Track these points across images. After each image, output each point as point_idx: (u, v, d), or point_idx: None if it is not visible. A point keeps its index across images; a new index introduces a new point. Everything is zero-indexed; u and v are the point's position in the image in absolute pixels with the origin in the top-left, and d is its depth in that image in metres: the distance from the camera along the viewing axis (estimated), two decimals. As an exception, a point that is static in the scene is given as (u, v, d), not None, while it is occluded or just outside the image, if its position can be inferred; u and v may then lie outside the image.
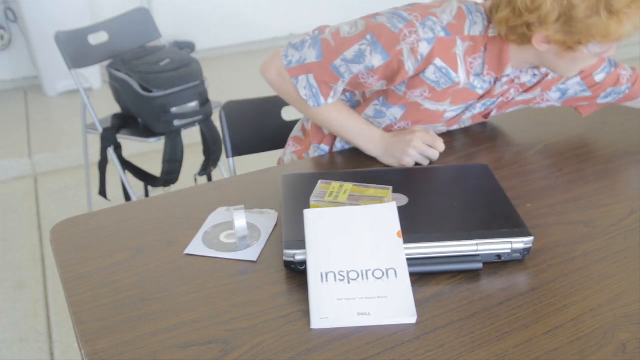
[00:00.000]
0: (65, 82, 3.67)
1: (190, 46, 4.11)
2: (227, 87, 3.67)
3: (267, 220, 1.01)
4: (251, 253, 0.93)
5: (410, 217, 0.93)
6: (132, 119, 2.28)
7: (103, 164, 2.25)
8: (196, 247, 0.95)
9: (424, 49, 1.08)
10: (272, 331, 0.78)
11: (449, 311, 0.81)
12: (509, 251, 0.88)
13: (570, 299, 0.82)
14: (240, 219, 0.97)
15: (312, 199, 0.95)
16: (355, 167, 1.19)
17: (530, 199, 1.06)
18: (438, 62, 1.10)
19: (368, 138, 1.21)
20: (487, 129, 1.33)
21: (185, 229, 1.00)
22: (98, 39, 2.24)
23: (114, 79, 2.21)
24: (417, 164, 1.19)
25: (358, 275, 0.82)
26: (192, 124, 2.21)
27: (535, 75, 1.22)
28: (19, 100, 3.71)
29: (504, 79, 1.18)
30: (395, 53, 1.08)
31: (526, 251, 0.89)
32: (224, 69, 4.04)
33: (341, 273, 0.82)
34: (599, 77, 1.25)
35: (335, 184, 0.98)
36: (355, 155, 1.25)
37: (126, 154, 2.26)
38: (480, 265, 0.87)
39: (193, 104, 2.17)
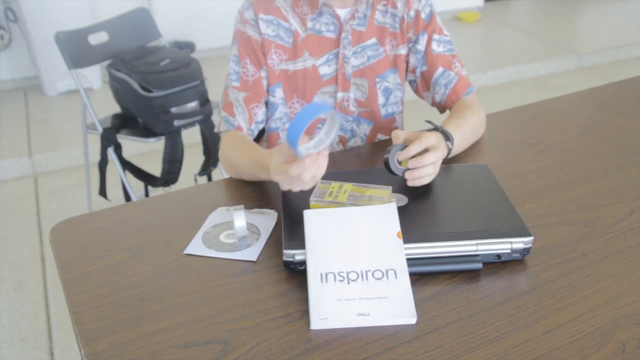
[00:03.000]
0: (65, 82, 3.66)
1: (190, 46, 4.11)
2: (227, 87, 3.66)
3: (266, 220, 1.01)
4: (251, 253, 0.93)
5: (410, 217, 0.93)
6: (132, 119, 2.27)
7: (103, 164, 2.25)
8: (196, 247, 0.95)
9: (248, 14, 1.26)
10: (272, 331, 0.78)
11: (448, 311, 0.81)
12: (509, 251, 0.88)
13: (570, 299, 0.82)
14: (240, 219, 0.97)
15: (312, 199, 0.95)
16: (355, 167, 1.19)
17: (530, 199, 1.06)
18: (263, 16, 1.25)
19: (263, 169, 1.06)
20: (487, 129, 1.33)
21: (185, 229, 1.00)
22: (98, 39, 2.24)
23: (114, 79, 2.20)
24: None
25: (358, 276, 0.82)
26: (192, 124, 2.20)
27: (393, 16, 1.28)
28: (19, 100, 3.71)
29: (344, 15, 1.25)
30: (239, 34, 1.28)
31: (526, 251, 0.89)
32: (224, 69, 4.04)
33: (341, 274, 0.82)
34: (436, 48, 1.31)
35: (335, 184, 0.98)
36: (355, 155, 1.25)
37: (126, 154, 2.26)
38: (480, 265, 0.87)
39: (193, 104, 2.17)
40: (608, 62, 4.34)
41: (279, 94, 1.29)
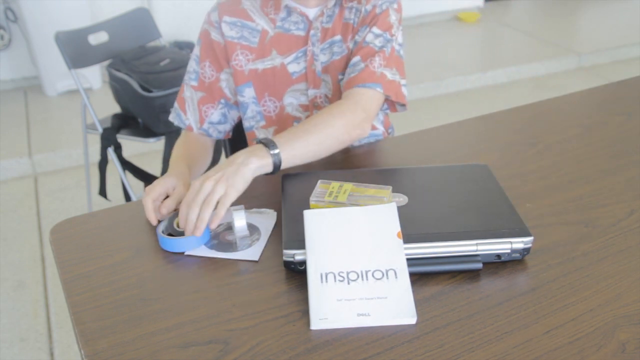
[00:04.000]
0: (65, 82, 3.67)
1: (190, 46, 4.11)
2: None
3: (267, 220, 1.01)
4: (251, 253, 0.93)
5: (410, 217, 0.93)
6: (132, 119, 2.28)
7: (103, 164, 2.25)
8: (196, 247, 0.95)
9: (213, 16, 1.29)
10: (272, 331, 0.78)
11: (448, 311, 0.81)
12: (509, 251, 0.88)
13: (570, 299, 0.82)
14: (240, 219, 0.97)
15: (312, 199, 0.95)
16: (355, 167, 1.19)
17: (530, 199, 1.06)
18: (227, 19, 1.27)
19: None
20: (487, 129, 1.33)
21: (185, 229, 1.00)
22: (98, 39, 2.24)
23: (114, 79, 2.21)
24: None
25: (358, 276, 0.82)
26: (192, 124, 2.20)
27: (357, 12, 1.26)
28: (19, 100, 3.71)
29: (313, 13, 1.25)
30: (203, 34, 1.31)
31: (526, 251, 0.89)
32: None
33: (341, 274, 0.82)
34: (368, 38, 1.23)
35: (335, 184, 0.98)
36: (355, 155, 1.25)
37: (126, 154, 2.26)
38: (480, 265, 0.87)
39: (193, 104, 2.17)
40: (608, 62, 4.35)
41: (248, 93, 1.30)
